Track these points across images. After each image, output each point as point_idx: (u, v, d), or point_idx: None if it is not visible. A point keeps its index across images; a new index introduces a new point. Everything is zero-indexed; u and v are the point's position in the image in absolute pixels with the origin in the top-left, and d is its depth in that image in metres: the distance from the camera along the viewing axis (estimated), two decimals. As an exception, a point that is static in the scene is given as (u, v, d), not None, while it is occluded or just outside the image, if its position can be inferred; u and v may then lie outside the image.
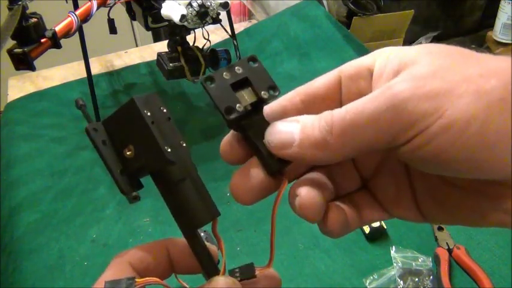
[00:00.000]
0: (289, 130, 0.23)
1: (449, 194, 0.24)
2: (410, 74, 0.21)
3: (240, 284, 0.26)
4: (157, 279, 0.25)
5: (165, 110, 0.25)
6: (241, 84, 0.26)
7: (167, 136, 0.24)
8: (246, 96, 0.25)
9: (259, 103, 0.26)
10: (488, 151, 0.19)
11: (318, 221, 0.25)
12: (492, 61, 0.20)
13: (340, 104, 0.25)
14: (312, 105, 0.25)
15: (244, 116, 0.25)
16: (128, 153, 0.24)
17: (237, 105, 0.25)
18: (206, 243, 0.26)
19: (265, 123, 0.25)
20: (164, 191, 0.25)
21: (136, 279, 0.24)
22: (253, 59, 0.26)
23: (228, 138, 0.26)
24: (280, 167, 0.25)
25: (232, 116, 0.25)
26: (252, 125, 0.25)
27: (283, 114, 0.25)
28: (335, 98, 0.25)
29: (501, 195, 0.22)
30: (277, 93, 0.26)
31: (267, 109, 0.25)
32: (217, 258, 0.27)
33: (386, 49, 0.24)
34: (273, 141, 0.24)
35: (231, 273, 0.26)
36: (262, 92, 0.26)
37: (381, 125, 0.20)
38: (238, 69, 0.26)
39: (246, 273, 0.26)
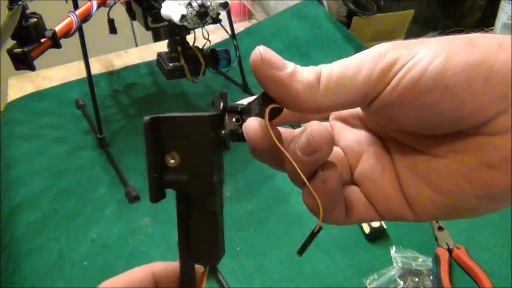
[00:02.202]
0: (284, 61, 0.24)
1: (430, 164, 0.24)
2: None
3: None
4: None
5: (222, 133, 0.24)
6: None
7: (218, 165, 0.23)
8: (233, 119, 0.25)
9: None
10: (454, 77, 0.21)
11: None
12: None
13: None
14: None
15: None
16: (171, 161, 0.23)
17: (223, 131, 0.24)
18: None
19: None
20: (187, 215, 0.24)
21: None
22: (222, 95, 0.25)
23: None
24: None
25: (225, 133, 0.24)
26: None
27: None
28: None
29: (483, 146, 0.22)
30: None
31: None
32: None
33: None
34: (265, 55, 0.23)
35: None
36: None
37: (365, 72, 0.23)
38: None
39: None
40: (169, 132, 0.23)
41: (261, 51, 0.23)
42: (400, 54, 0.22)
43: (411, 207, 0.26)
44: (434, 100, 0.22)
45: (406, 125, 0.24)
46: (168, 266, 0.27)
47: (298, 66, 0.24)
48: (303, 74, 0.24)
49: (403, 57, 0.22)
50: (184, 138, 0.23)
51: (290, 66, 0.24)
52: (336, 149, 0.28)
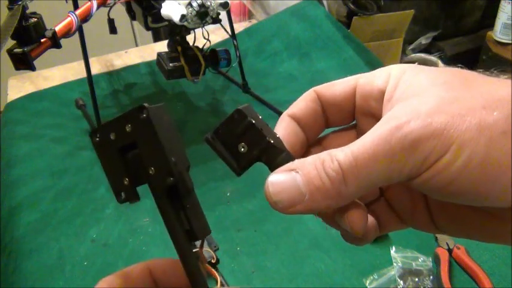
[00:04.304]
0: (292, 183, 0.23)
1: (459, 211, 0.25)
2: (417, 110, 0.22)
3: None
4: None
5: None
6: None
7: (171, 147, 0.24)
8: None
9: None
10: (490, 184, 0.20)
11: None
12: (496, 89, 0.21)
13: (353, 116, 0.27)
14: (330, 111, 0.27)
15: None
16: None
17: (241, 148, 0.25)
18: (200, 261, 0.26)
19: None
20: (179, 204, 0.24)
21: None
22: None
23: None
24: None
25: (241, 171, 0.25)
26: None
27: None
28: (350, 108, 0.27)
29: (505, 217, 0.23)
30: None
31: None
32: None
33: (398, 70, 0.25)
34: (282, 202, 0.23)
35: None
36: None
37: (394, 165, 0.21)
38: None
39: None
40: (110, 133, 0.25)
41: (270, 191, 0.23)
42: (432, 148, 0.21)
43: (437, 227, 0.27)
44: (467, 199, 0.21)
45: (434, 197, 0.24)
46: (167, 262, 0.26)
47: (314, 179, 0.22)
48: (324, 187, 0.22)
49: (436, 151, 0.21)
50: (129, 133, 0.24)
51: (306, 193, 0.22)
52: None
